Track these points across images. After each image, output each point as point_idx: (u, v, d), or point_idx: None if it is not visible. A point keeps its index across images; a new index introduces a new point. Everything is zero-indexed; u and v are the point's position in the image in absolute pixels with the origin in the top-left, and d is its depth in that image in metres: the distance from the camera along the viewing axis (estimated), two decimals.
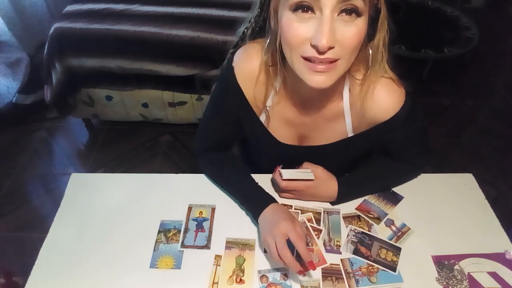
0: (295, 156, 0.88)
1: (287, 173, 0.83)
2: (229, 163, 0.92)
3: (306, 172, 0.84)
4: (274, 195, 0.87)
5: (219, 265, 0.76)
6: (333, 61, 0.61)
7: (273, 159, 0.90)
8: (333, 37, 0.59)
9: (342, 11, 0.59)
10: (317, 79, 0.63)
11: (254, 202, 0.83)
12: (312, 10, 0.59)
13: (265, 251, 0.79)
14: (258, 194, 0.84)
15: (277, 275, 0.75)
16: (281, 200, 0.87)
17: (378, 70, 0.71)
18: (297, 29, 0.60)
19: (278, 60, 0.70)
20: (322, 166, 0.85)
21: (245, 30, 0.79)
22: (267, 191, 0.85)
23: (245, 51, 0.79)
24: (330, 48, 0.59)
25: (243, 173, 0.89)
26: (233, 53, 0.81)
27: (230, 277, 0.75)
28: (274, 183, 0.90)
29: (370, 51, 0.69)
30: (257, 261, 0.77)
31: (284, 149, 0.87)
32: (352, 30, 0.60)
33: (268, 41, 0.72)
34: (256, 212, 0.81)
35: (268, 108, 0.82)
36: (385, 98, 0.75)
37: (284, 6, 0.61)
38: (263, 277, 0.75)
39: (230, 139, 0.95)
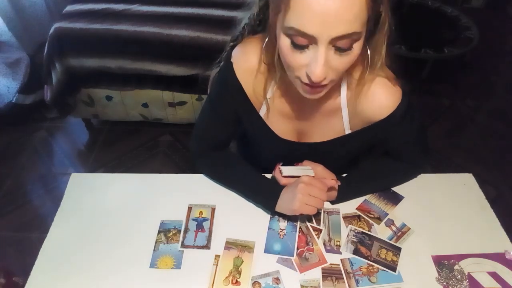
0: (293, 152, 0.88)
1: (287, 170, 0.82)
2: (231, 161, 0.92)
3: (306, 169, 0.83)
4: None
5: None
6: (326, 84, 0.64)
7: (272, 155, 0.90)
8: (327, 68, 0.60)
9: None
10: (310, 94, 0.68)
11: (266, 193, 0.84)
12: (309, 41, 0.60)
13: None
14: (267, 185, 0.85)
15: (269, 280, 0.74)
16: None
17: (375, 69, 0.71)
18: (293, 57, 0.62)
19: (275, 60, 0.70)
20: (321, 164, 0.85)
21: (245, 25, 0.79)
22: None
23: (244, 47, 0.79)
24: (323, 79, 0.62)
25: (247, 169, 0.89)
26: (232, 48, 0.81)
27: (226, 277, 0.74)
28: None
29: (369, 52, 0.68)
30: (255, 264, 0.77)
31: (283, 145, 0.87)
32: (347, 59, 0.61)
33: (266, 40, 0.72)
34: (271, 203, 0.82)
35: (268, 100, 0.82)
36: (381, 97, 0.75)
37: (282, 26, 0.60)
38: (255, 283, 0.74)
39: (228, 138, 0.95)
